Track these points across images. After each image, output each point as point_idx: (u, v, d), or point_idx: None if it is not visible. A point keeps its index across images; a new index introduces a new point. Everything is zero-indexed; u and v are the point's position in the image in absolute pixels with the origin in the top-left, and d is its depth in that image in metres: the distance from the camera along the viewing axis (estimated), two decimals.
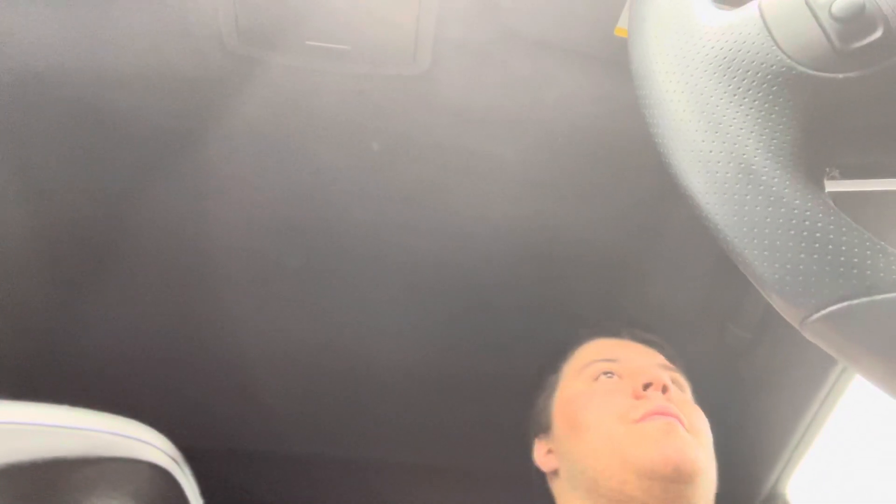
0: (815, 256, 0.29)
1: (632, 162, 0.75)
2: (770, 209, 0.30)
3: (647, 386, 0.65)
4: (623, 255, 0.86)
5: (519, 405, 0.81)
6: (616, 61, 0.63)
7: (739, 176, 0.30)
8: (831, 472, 0.80)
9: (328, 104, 0.69)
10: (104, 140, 0.72)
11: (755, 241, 0.30)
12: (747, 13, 0.32)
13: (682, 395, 0.69)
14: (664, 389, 0.65)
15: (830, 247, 0.29)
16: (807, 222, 0.29)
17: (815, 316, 0.29)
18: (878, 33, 0.29)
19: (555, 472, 0.70)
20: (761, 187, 0.30)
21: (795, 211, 0.29)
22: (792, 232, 0.29)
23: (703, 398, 0.72)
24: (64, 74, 0.65)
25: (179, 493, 0.63)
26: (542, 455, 0.73)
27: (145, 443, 0.60)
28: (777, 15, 0.31)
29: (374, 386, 0.94)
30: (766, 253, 0.30)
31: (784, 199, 0.30)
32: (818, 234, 0.29)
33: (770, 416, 0.83)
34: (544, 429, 0.73)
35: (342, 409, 0.96)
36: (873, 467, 0.77)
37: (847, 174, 0.35)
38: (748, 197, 0.30)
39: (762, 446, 0.84)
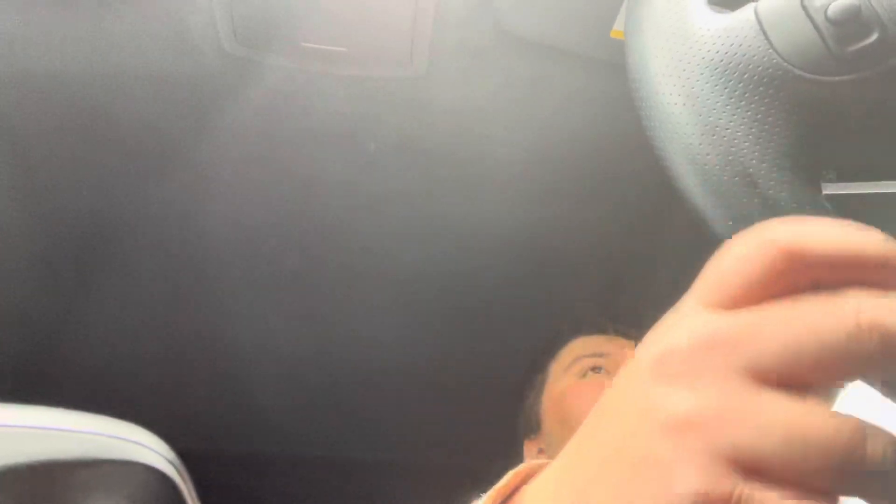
0: None
1: (629, 163, 0.75)
2: (767, 213, 0.30)
3: None
4: (620, 255, 0.87)
5: (514, 404, 0.81)
6: (613, 63, 0.63)
7: (736, 179, 0.30)
8: None
9: (325, 106, 0.69)
10: (103, 141, 0.72)
11: None
12: (743, 16, 0.32)
13: None
14: None
15: None
16: None
17: None
18: (874, 36, 0.29)
19: None
20: (758, 190, 0.30)
21: (793, 215, 0.29)
22: None
23: None
24: (64, 76, 0.65)
25: (176, 496, 0.63)
26: (532, 455, 0.73)
27: (142, 445, 0.60)
28: (773, 18, 0.31)
29: (371, 387, 0.94)
30: None
31: (781, 204, 0.30)
32: None
33: None
34: (534, 429, 0.73)
35: (338, 411, 0.96)
36: None
37: (844, 176, 0.35)
38: (745, 200, 0.30)
39: None
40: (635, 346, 0.74)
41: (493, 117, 0.70)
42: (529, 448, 0.74)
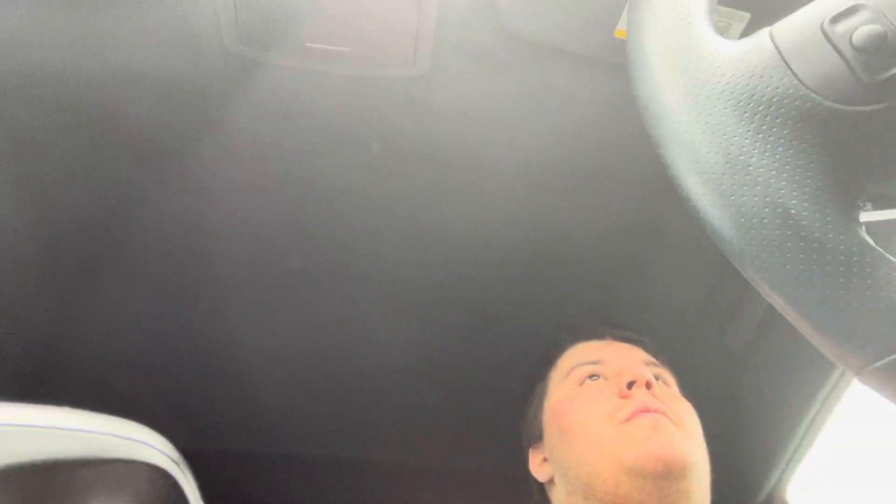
0: (870, 303, 0.27)
1: (631, 163, 0.75)
2: (815, 255, 0.28)
3: (631, 384, 0.65)
4: (623, 258, 0.86)
5: (519, 405, 0.81)
6: (616, 63, 0.63)
7: (777, 222, 0.29)
8: (831, 475, 0.80)
9: (328, 106, 0.69)
10: (105, 142, 0.72)
11: (803, 289, 0.29)
12: (759, 43, 0.30)
13: (667, 389, 0.70)
14: (648, 386, 0.65)
15: (883, 293, 0.27)
16: (855, 268, 0.28)
17: (878, 364, 0.28)
18: None
19: (551, 481, 0.70)
20: (802, 233, 0.28)
21: (842, 256, 0.28)
22: (842, 279, 0.28)
23: (703, 400, 0.72)
24: (65, 76, 0.65)
25: (179, 494, 0.63)
26: (536, 465, 0.72)
27: (145, 444, 0.60)
28: (793, 46, 0.30)
29: (373, 386, 0.94)
30: (816, 301, 0.28)
31: (829, 245, 0.28)
32: (869, 280, 0.28)
33: (770, 417, 0.83)
34: (537, 438, 0.73)
35: (341, 410, 0.96)
36: (874, 470, 0.77)
37: (878, 205, 0.34)
38: (790, 244, 0.29)
39: (762, 448, 0.84)
40: (634, 349, 0.74)
41: (496, 117, 0.70)
42: (534, 457, 0.74)
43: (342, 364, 0.92)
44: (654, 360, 0.73)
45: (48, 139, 0.71)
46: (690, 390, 0.73)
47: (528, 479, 0.74)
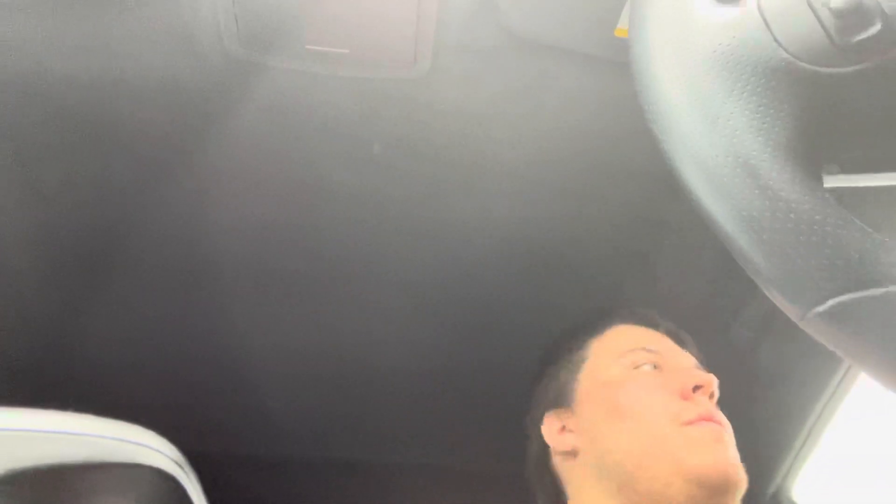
0: (813, 251, 0.29)
1: (634, 161, 0.75)
2: (767, 203, 0.30)
3: (696, 388, 0.63)
4: (626, 255, 0.86)
5: (520, 405, 0.81)
6: (617, 61, 0.63)
7: (737, 170, 0.30)
8: (837, 473, 0.79)
9: (329, 108, 0.69)
10: (106, 144, 0.72)
11: (753, 235, 0.30)
12: (747, 9, 0.32)
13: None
14: (711, 395, 0.64)
15: (829, 241, 0.28)
16: (804, 216, 0.29)
17: (815, 311, 0.29)
18: (877, 27, 0.29)
19: (571, 453, 0.67)
20: (759, 181, 0.30)
21: (793, 205, 0.29)
22: (790, 226, 0.29)
23: None
24: (67, 80, 0.65)
25: (184, 498, 0.63)
26: (553, 430, 0.70)
27: (149, 448, 0.60)
28: (776, 11, 0.31)
29: (376, 388, 0.94)
30: (764, 248, 0.30)
31: (782, 194, 0.29)
32: (815, 228, 0.29)
33: (775, 415, 0.83)
34: (563, 403, 0.71)
35: (345, 412, 0.96)
36: (879, 467, 0.76)
37: (847, 169, 0.34)
38: (745, 191, 0.30)
39: (767, 446, 0.83)
40: (685, 351, 0.72)
41: (497, 117, 0.70)
42: (551, 422, 0.71)
43: (345, 365, 0.92)
44: (702, 367, 0.71)
45: (50, 142, 0.71)
46: None
47: (527, 442, 0.73)
